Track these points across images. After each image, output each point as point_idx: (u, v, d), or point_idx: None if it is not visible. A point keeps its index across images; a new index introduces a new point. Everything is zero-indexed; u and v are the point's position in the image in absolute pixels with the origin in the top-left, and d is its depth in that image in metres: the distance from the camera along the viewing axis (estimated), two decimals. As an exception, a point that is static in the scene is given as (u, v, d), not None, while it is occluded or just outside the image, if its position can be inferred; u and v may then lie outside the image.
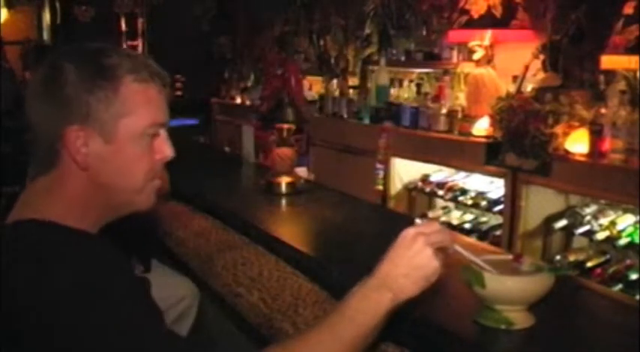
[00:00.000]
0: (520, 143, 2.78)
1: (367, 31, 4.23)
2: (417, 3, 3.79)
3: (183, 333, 2.05)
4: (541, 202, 2.87)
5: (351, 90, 4.34)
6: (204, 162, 3.32)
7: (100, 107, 1.02)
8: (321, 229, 2.04)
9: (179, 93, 6.52)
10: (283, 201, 2.31)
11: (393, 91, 3.88)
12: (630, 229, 2.61)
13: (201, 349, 1.38)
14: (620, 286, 2.55)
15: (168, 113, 1.10)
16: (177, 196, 2.39)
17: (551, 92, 2.83)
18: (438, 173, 3.59)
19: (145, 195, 1.09)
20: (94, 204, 1.06)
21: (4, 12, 6.45)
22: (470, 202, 3.29)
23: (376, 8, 4.09)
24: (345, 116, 4.19)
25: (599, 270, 2.67)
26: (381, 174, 3.67)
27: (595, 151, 2.59)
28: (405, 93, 3.79)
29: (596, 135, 2.59)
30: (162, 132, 1.09)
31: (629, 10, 2.60)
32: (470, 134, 3.20)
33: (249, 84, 5.66)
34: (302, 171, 2.64)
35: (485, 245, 2.56)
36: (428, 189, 3.57)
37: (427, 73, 3.83)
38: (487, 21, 3.25)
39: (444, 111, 3.38)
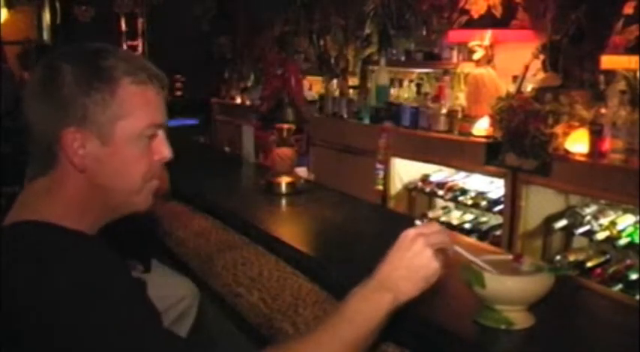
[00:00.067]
0: (520, 143, 2.78)
1: (367, 31, 4.23)
2: (417, 3, 3.79)
3: (183, 333, 2.05)
4: (541, 202, 2.87)
5: (351, 90, 4.34)
6: (204, 162, 3.32)
7: (96, 109, 1.02)
8: (321, 229, 2.04)
9: (179, 93, 6.53)
10: (283, 201, 2.31)
11: (393, 91, 3.88)
12: (630, 229, 2.61)
13: (201, 349, 1.39)
14: (620, 286, 2.55)
15: (166, 114, 1.10)
16: (177, 196, 2.39)
17: (551, 92, 2.83)
18: (438, 173, 3.59)
19: (142, 196, 1.09)
20: (92, 205, 1.06)
21: (4, 12, 6.45)
22: (470, 202, 3.29)
23: (376, 8, 4.09)
24: (345, 116, 4.19)
25: (599, 270, 2.67)
26: (381, 174, 3.67)
27: (595, 151, 2.59)
28: (405, 93, 3.79)
29: (596, 135, 2.59)
30: (161, 133, 1.09)
31: (629, 10, 2.60)
32: (470, 134, 3.20)
33: (249, 84, 5.66)
34: (302, 171, 2.64)
35: (485, 245, 2.56)
36: (428, 189, 3.57)
37: (427, 73, 3.83)
38: (487, 21, 3.25)
39: (444, 111, 3.38)
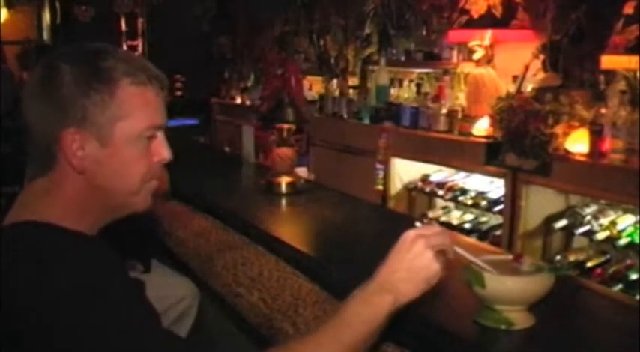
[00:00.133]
0: (520, 143, 2.78)
1: (367, 31, 4.23)
2: (417, 3, 3.79)
3: (183, 333, 2.05)
4: (541, 202, 2.87)
5: (351, 90, 4.34)
6: (204, 162, 3.32)
7: (96, 110, 1.01)
8: (321, 229, 2.04)
9: (179, 93, 6.53)
10: (283, 201, 2.31)
11: (393, 91, 3.88)
12: (630, 229, 2.61)
13: (201, 349, 1.39)
14: (620, 286, 2.55)
15: (165, 115, 1.09)
16: (177, 196, 2.39)
17: (551, 92, 2.83)
18: (438, 173, 3.59)
19: (141, 197, 1.09)
20: (91, 205, 1.06)
21: (4, 12, 6.45)
22: (470, 202, 3.29)
23: (376, 8, 4.09)
24: (345, 116, 4.19)
25: (599, 270, 2.67)
26: (381, 174, 3.67)
27: (595, 151, 2.59)
28: (405, 93, 3.79)
29: (596, 135, 2.59)
30: (160, 135, 1.09)
31: (629, 10, 2.60)
32: (470, 134, 3.20)
33: (249, 84, 5.66)
34: (302, 171, 2.64)
35: (485, 245, 2.56)
36: (428, 189, 3.57)
37: (427, 73, 3.83)
38: (487, 21, 3.25)
39: (444, 111, 3.38)
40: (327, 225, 2.06)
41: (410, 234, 1.04)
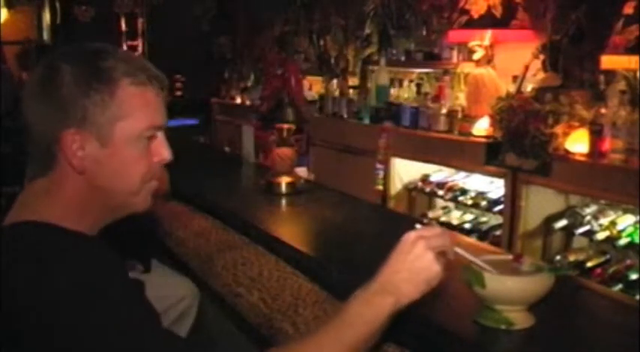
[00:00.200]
0: (520, 143, 2.78)
1: (367, 31, 4.23)
2: (417, 3, 3.79)
3: (183, 333, 2.05)
4: (541, 202, 2.87)
5: (351, 90, 4.34)
6: (204, 162, 3.32)
7: (96, 111, 1.01)
8: (321, 229, 2.04)
9: (179, 93, 6.53)
10: (283, 201, 2.31)
11: (393, 91, 3.88)
12: (630, 229, 2.61)
13: (201, 349, 1.39)
14: (620, 286, 2.55)
15: (166, 116, 1.09)
16: (177, 196, 2.39)
17: (551, 92, 2.83)
18: (438, 173, 3.59)
19: (141, 197, 1.09)
20: (91, 205, 1.06)
21: (4, 12, 6.45)
22: (470, 202, 3.29)
23: (376, 8, 4.09)
24: (345, 116, 4.19)
25: (599, 270, 2.67)
26: (381, 174, 3.67)
27: (595, 151, 2.59)
28: (405, 93, 3.79)
29: (596, 135, 2.59)
30: (160, 135, 1.09)
31: (629, 10, 2.60)
32: (470, 134, 3.20)
33: (249, 84, 5.66)
34: (302, 171, 2.64)
35: (485, 245, 2.56)
36: (428, 189, 3.57)
37: (427, 73, 3.83)
38: (487, 21, 3.25)
39: (444, 111, 3.38)
40: (327, 225, 2.07)
41: (410, 235, 1.04)
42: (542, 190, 2.84)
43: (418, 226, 1.09)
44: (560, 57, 2.86)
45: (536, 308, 1.19)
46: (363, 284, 1.05)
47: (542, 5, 2.97)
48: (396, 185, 3.71)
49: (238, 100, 5.73)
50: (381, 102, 3.87)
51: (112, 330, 0.92)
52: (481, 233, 3.26)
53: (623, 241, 2.60)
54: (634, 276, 2.57)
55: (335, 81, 4.43)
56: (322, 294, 1.55)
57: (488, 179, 3.25)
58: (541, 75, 2.95)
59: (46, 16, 6.65)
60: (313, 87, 4.83)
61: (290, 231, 2.02)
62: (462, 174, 3.44)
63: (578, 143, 2.65)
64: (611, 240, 2.63)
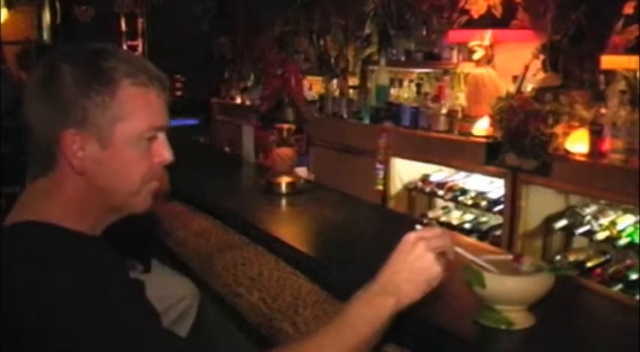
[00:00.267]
0: (520, 143, 2.78)
1: (367, 31, 4.23)
2: (417, 3, 3.79)
3: (183, 333, 2.05)
4: (541, 202, 2.87)
5: (351, 90, 4.34)
6: (204, 162, 3.32)
7: (96, 111, 1.01)
8: (321, 229, 2.04)
9: (179, 93, 6.53)
10: (283, 201, 2.31)
11: (393, 91, 3.88)
12: (630, 229, 2.61)
13: (201, 349, 1.39)
14: (620, 286, 2.55)
15: (167, 116, 1.09)
16: (177, 196, 2.39)
17: (551, 92, 2.83)
18: (438, 173, 3.59)
19: (141, 197, 1.08)
20: (92, 205, 1.06)
21: (4, 12, 6.46)
22: (470, 202, 3.29)
23: (376, 8, 4.09)
24: (345, 116, 4.19)
25: (599, 270, 2.67)
26: (381, 174, 3.68)
27: (595, 151, 2.59)
28: (405, 93, 3.79)
29: (596, 135, 2.59)
30: (161, 136, 1.08)
31: (629, 10, 2.60)
32: (470, 134, 3.20)
33: (249, 84, 5.66)
34: (302, 171, 2.64)
35: (485, 245, 2.56)
36: (428, 189, 3.57)
37: (427, 73, 3.83)
38: (487, 21, 3.25)
39: (444, 111, 3.38)
40: (327, 225, 2.07)
41: (411, 236, 1.04)
42: (542, 190, 2.84)
43: (418, 227, 1.09)
44: (560, 57, 2.86)
45: (536, 308, 1.19)
46: (363, 284, 1.05)
47: (542, 5, 2.97)
48: (396, 185, 3.71)
49: (238, 100, 5.73)
50: (381, 102, 3.87)
51: (112, 330, 0.92)
52: (481, 233, 3.26)
53: (623, 241, 2.60)
54: (634, 276, 2.57)
55: (335, 81, 4.43)
56: (322, 294, 1.55)
57: (488, 179, 3.25)
58: (541, 75, 2.95)
59: (46, 16, 6.65)
60: (313, 87, 4.83)
61: (290, 231, 2.02)
62: (462, 174, 3.44)
63: (578, 143, 2.65)
64: (611, 240, 2.63)
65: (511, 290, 1.16)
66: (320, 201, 2.31)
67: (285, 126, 2.43)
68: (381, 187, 3.68)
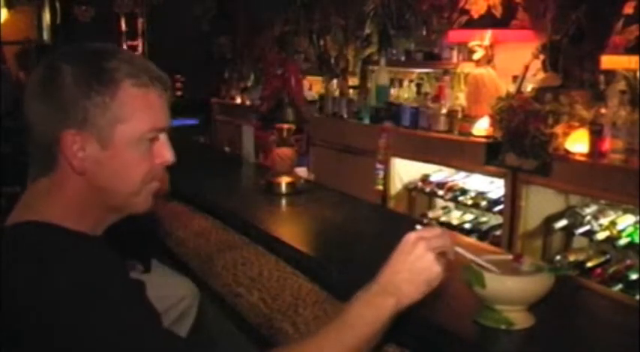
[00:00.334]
0: (520, 143, 2.78)
1: (367, 31, 4.23)
2: (417, 3, 3.79)
3: (183, 333, 2.05)
4: (541, 202, 2.87)
5: (351, 90, 4.34)
6: (204, 162, 3.32)
7: (97, 112, 1.01)
8: (321, 229, 2.04)
9: (179, 93, 6.53)
10: (283, 201, 2.31)
11: (393, 91, 3.88)
12: (630, 229, 2.61)
13: (201, 349, 1.39)
14: (620, 286, 2.55)
15: (169, 117, 1.08)
16: (177, 196, 2.39)
17: (551, 92, 2.83)
18: (438, 173, 3.59)
19: (142, 198, 1.08)
20: (92, 206, 1.06)
21: (4, 12, 6.45)
22: (470, 202, 3.29)
23: (376, 8, 4.09)
24: (345, 116, 4.19)
25: (599, 270, 2.67)
26: (381, 174, 3.68)
27: (595, 151, 2.59)
28: (405, 93, 3.79)
29: (596, 135, 2.59)
30: (162, 137, 1.08)
31: (629, 10, 2.60)
32: (470, 134, 3.20)
33: (249, 84, 5.66)
34: (302, 171, 2.64)
35: (485, 245, 2.56)
36: (428, 189, 3.57)
37: (427, 73, 3.83)
38: (487, 21, 3.25)
39: (444, 111, 3.38)
40: (327, 225, 2.07)
41: (411, 236, 1.04)
42: (542, 190, 2.84)
43: (418, 227, 1.09)
44: (560, 57, 2.86)
45: (536, 308, 1.19)
46: (364, 284, 1.05)
47: (542, 5, 2.97)
48: (396, 185, 3.71)
49: (238, 100, 5.73)
50: (381, 102, 3.87)
51: (112, 330, 0.92)
52: (481, 233, 3.26)
53: (623, 241, 2.60)
54: (634, 276, 2.57)
55: (335, 81, 4.43)
56: (322, 294, 1.55)
57: (488, 179, 3.25)
58: (541, 75, 2.95)
59: (46, 16, 6.65)
60: (313, 87, 4.83)
61: (290, 231, 2.03)
62: (462, 174, 3.44)
63: (578, 143, 2.65)
64: (611, 240, 2.63)
65: (511, 290, 1.16)
66: (320, 201, 2.31)
67: (285, 126, 2.43)
68: (381, 187, 3.68)
